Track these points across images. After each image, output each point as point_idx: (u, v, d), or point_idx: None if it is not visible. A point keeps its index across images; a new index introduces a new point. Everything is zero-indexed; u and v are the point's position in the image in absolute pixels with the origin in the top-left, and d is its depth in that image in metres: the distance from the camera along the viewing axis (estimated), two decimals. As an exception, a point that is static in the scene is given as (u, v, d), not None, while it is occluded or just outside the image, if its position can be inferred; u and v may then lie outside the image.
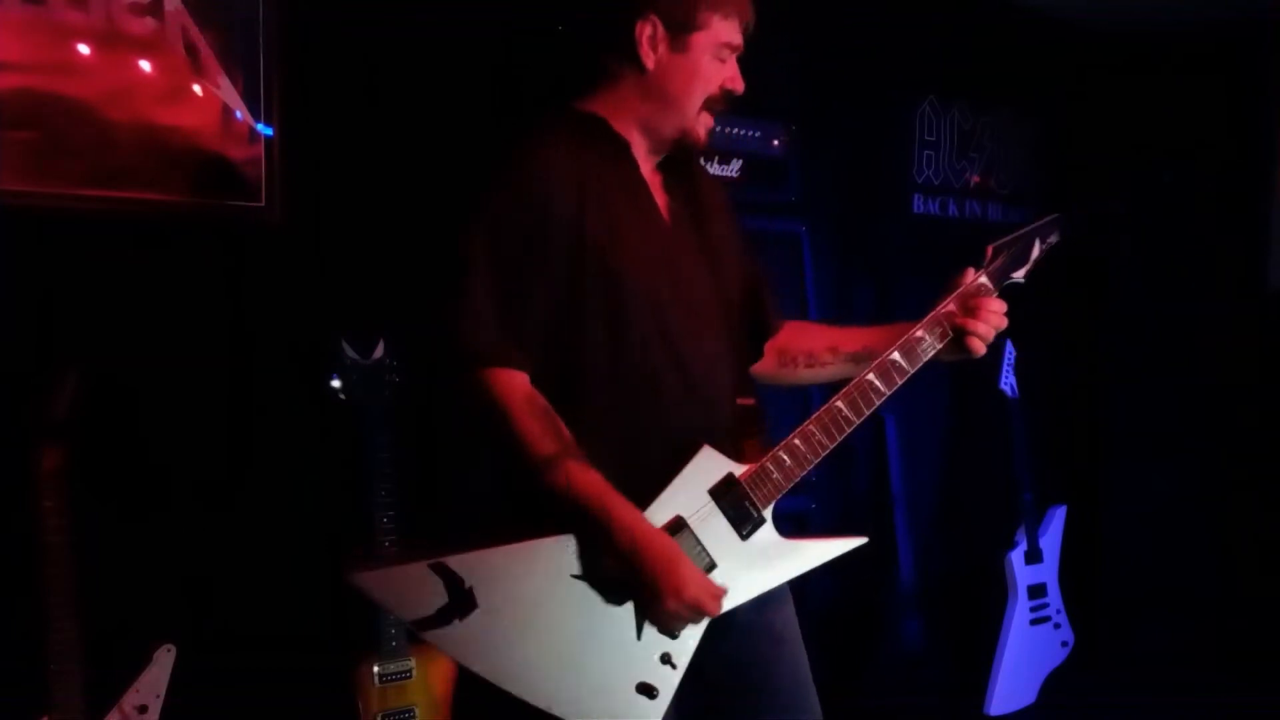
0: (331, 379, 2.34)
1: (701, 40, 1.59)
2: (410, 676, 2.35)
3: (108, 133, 2.21)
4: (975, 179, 3.85)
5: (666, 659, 1.49)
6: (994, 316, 1.63)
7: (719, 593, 1.48)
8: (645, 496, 1.49)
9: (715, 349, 1.62)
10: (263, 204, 2.40)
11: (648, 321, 1.54)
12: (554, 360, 1.51)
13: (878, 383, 1.58)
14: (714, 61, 1.61)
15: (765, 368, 1.83)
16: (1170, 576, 3.96)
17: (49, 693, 1.96)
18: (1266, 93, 3.93)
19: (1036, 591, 3.44)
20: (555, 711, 1.45)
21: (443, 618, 1.43)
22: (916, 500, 3.53)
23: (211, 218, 2.36)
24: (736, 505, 1.53)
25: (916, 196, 3.70)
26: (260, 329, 2.45)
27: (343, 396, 2.35)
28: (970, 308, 1.63)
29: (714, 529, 1.52)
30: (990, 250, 1.71)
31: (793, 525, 1.61)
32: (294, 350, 2.47)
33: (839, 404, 1.57)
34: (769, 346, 1.82)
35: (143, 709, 2.07)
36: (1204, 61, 3.98)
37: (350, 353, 2.37)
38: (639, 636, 1.48)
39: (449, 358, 1.49)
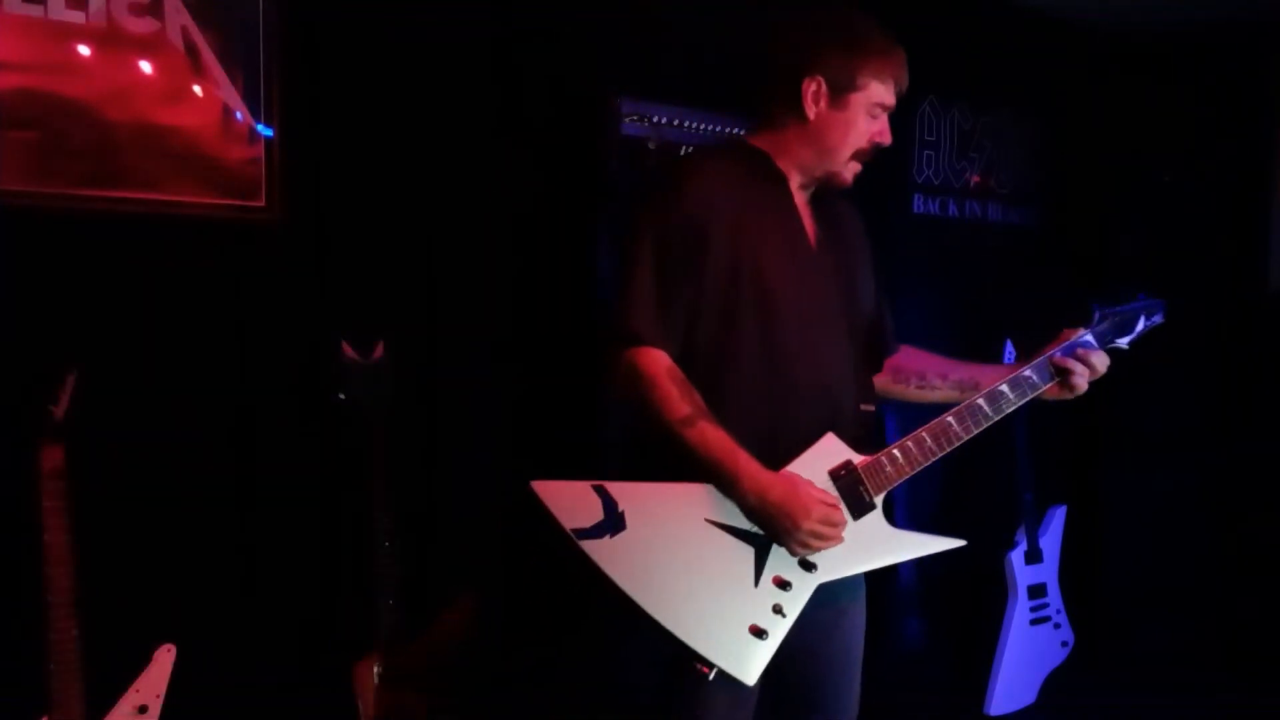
0: (331, 379, 2.34)
1: (858, 100, 1.81)
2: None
3: (108, 133, 2.21)
4: (975, 179, 3.85)
5: (778, 609, 1.69)
6: (1099, 366, 1.88)
7: (837, 519, 1.68)
8: (773, 467, 1.69)
9: (843, 358, 1.85)
10: (263, 204, 2.40)
11: (788, 327, 1.77)
12: (706, 351, 1.75)
13: (986, 408, 1.82)
14: (867, 118, 1.82)
15: (881, 382, 2.04)
16: (1170, 576, 3.96)
17: (49, 693, 1.96)
18: (1266, 93, 3.93)
19: (1036, 591, 3.44)
20: (677, 633, 1.64)
21: (598, 531, 1.66)
22: (917, 500, 3.53)
23: (211, 218, 2.36)
24: (851, 488, 1.74)
25: (917, 196, 3.70)
26: (260, 329, 2.45)
27: (342, 397, 2.35)
28: (1077, 356, 1.87)
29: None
30: (1096, 313, 1.95)
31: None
32: (294, 350, 2.47)
33: (949, 419, 1.79)
34: (887, 364, 2.04)
35: (143, 709, 2.07)
36: (1204, 61, 3.98)
37: (350, 353, 2.37)
38: (756, 584, 1.69)
39: (612, 335, 1.74)
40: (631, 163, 2.59)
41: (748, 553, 1.70)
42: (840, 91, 1.80)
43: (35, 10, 2.13)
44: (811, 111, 1.81)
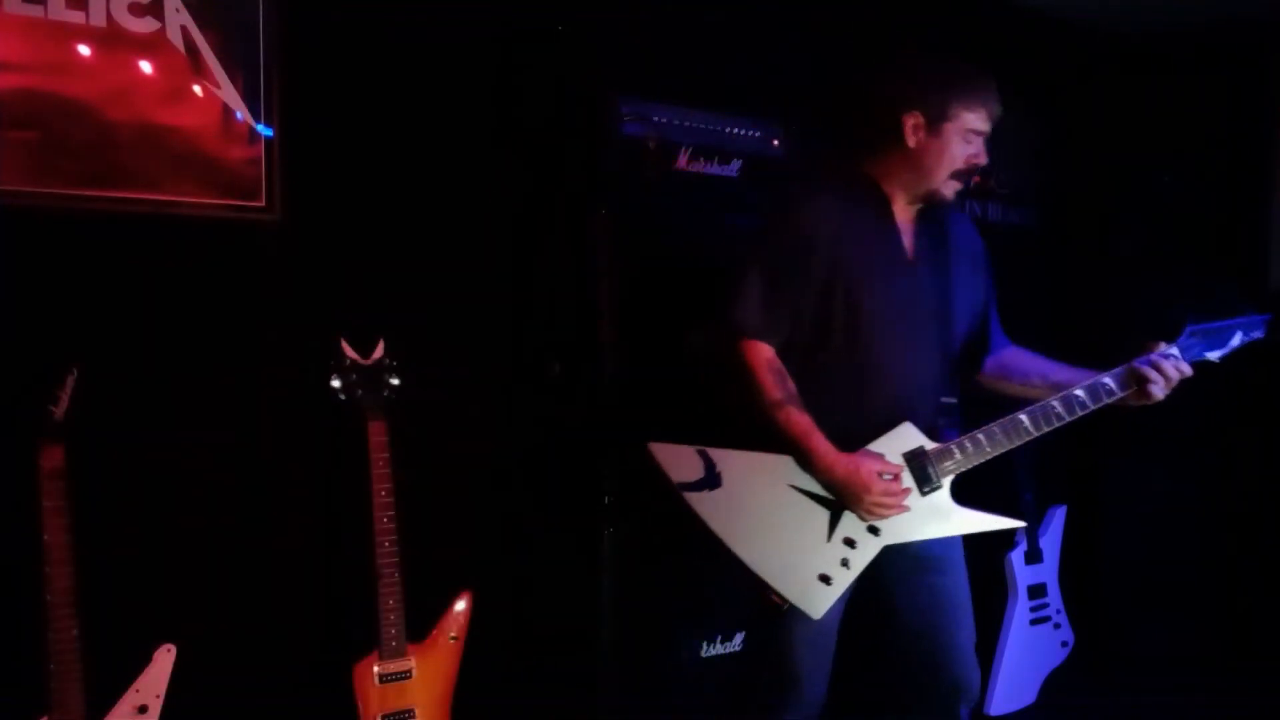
0: (331, 379, 2.34)
1: (951, 128, 2.09)
2: (410, 676, 2.35)
3: (108, 133, 2.22)
4: (975, 179, 3.84)
5: (845, 563, 2.04)
6: (1173, 375, 2.11)
7: (896, 491, 2.01)
8: (854, 447, 2.03)
9: (927, 357, 2.14)
10: (263, 204, 2.40)
11: (873, 333, 2.07)
12: (803, 348, 2.07)
13: (1059, 408, 2.08)
14: (961, 143, 2.11)
15: (987, 378, 2.32)
16: (1170, 576, 3.96)
17: (49, 693, 1.96)
18: (1266, 93, 3.92)
19: (1036, 591, 3.44)
20: (756, 570, 2.01)
21: (699, 485, 2.04)
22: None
23: (211, 218, 2.36)
24: (921, 469, 2.06)
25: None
26: (260, 329, 2.45)
27: (342, 396, 2.35)
28: (1153, 365, 2.10)
29: (902, 481, 2.05)
30: (1187, 329, 2.16)
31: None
32: (294, 350, 2.47)
33: (1022, 416, 2.08)
34: (991, 361, 2.31)
35: (143, 709, 2.07)
36: (1204, 61, 3.97)
37: (350, 353, 2.37)
38: (828, 540, 2.04)
39: (724, 327, 2.06)
40: (631, 163, 2.59)
41: (823, 515, 2.04)
42: (936, 121, 2.09)
43: (35, 10, 2.14)
44: (911, 141, 2.10)
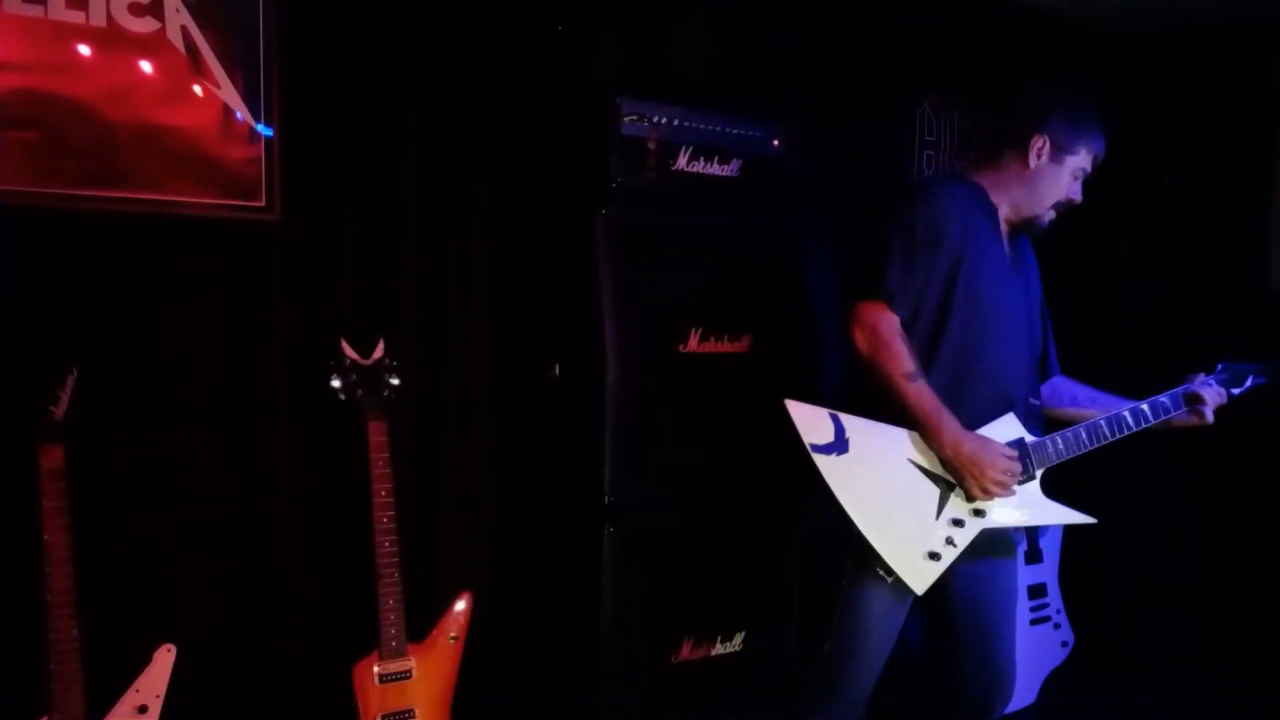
0: (331, 379, 2.34)
1: (1070, 161, 2.27)
2: (410, 676, 2.35)
3: (108, 133, 2.22)
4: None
5: (950, 540, 2.14)
6: (1215, 402, 2.39)
7: (1014, 470, 2.15)
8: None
9: (1021, 359, 2.32)
10: (262, 204, 2.40)
11: (985, 324, 2.21)
12: (922, 329, 2.18)
13: (1129, 419, 2.32)
14: (1070, 177, 2.28)
15: (1044, 400, 2.45)
16: (1170, 576, 3.96)
17: (49, 693, 1.96)
18: (1266, 93, 3.92)
19: (1036, 591, 3.45)
20: (873, 541, 2.08)
21: (828, 449, 2.11)
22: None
23: (211, 218, 2.36)
24: (1020, 460, 2.18)
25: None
26: (260, 329, 2.44)
27: (342, 396, 2.35)
28: (1196, 394, 2.38)
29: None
30: (1220, 365, 2.47)
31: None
32: (293, 350, 2.47)
33: (1102, 421, 2.30)
34: (1047, 386, 2.48)
35: (143, 709, 2.07)
36: (1204, 62, 3.97)
37: (350, 353, 2.37)
38: (937, 518, 2.14)
39: (862, 291, 2.15)
40: (631, 163, 2.59)
41: (934, 492, 2.15)
42: (1059, 151, 2.24)
43: (35, 10, 2.14)
44: (1033, 162, 2.25)
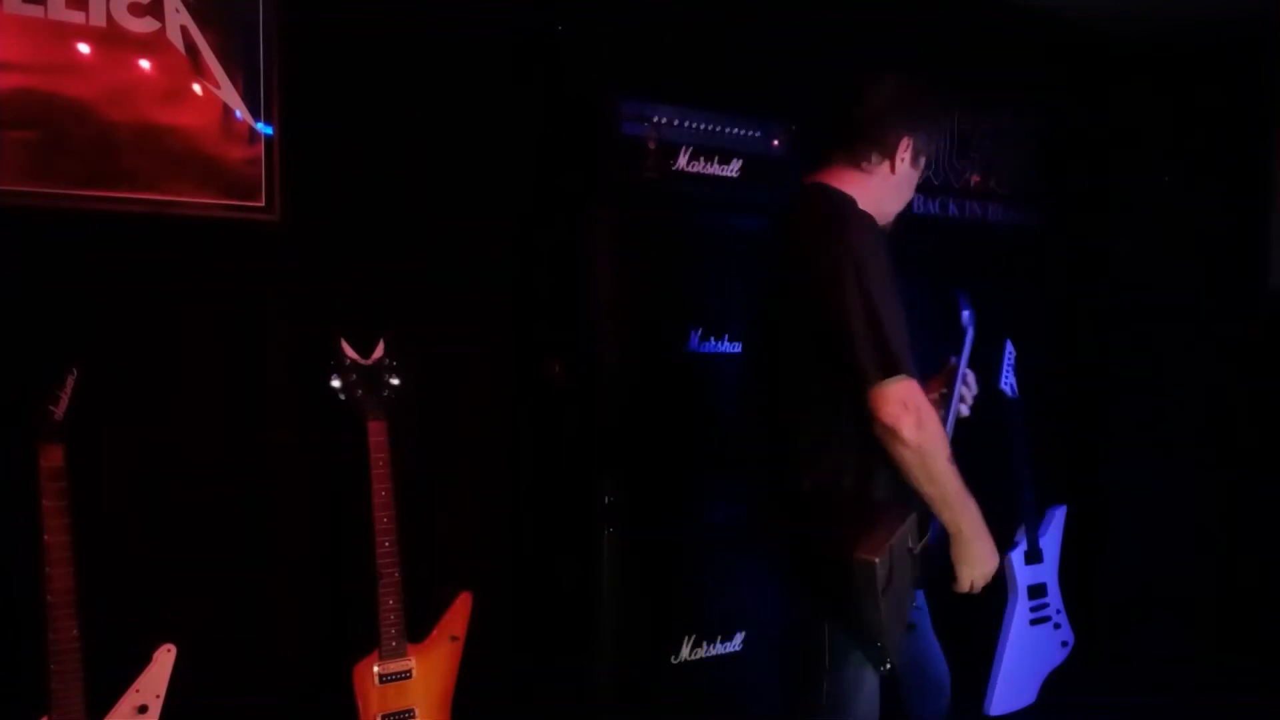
0: (331, 379, 2.34)
1: (923, 160, 2.15)
2: (410, 676, 2.35)
3: (108, 133, 2.22)
4: (975, 179, 3.84)
5: (916, 608, 2.10)
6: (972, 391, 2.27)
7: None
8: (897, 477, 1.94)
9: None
10: (262, 204, 2.40)
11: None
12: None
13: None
14: (919, 176, 2.18)
15: None
16: (1170, 576, 3.96)
17: (49, 693, 1.96)
18: (1266, 93, 3.92)
19: (1036, 591, 3.44)
20: (887, 646, 1.90)
21: (886, 586, 1.84)
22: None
23: (211, 218, 2.36)
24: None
25: (917, 196, 3.68)
26: (260, 329, 2.44)
27: (342, 397, 2.35)
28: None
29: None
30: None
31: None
32: (293, 350, 2.47)
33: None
34: None
35: (143, 709, 2.07)
36: (1204, 62, 3.97)
37: (350, 353, 2.37)
38: (912, 589, 1.99)
39: (884, 364, 1.84)
40: (631, 163, 2.59)
41: (913, 564, 1.96)
42: (918, 153, 2.13)
43: (35, 10, 2.14)
44: (899, 166, 2.10)
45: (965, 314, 2.28)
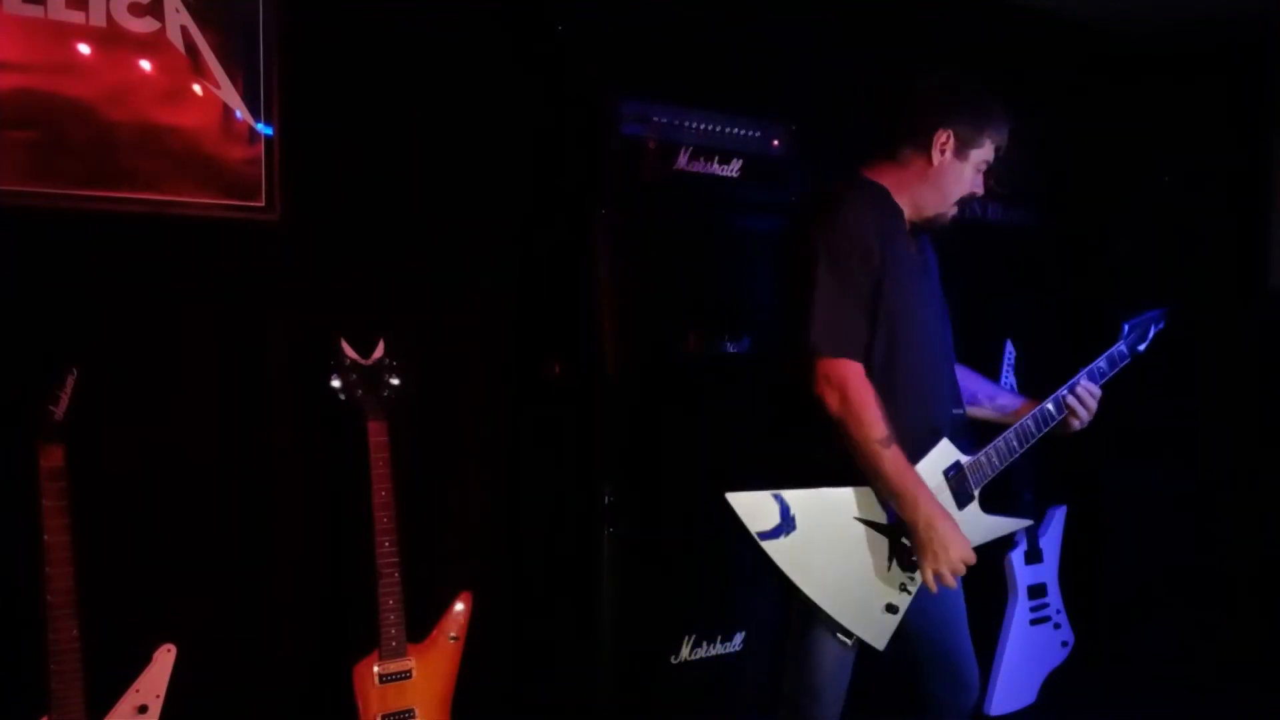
0: (331, 379, 2.34)
1: (975, 155, 2.14)
2: (410, 676, 2.35)
3: (108, 133, 2.22)
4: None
5: (904, 587, 2.05)
6: (1090, 399, 2.29)
7: (969, 560, 1.99)
8: None
9: (945, 370, 2.21)
10: (262, 204, 2.40)
11: (912, 340, 2.07)
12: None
13: (1052, 410, 2.22)
14: (975, 171, 2.16)
15: None
16: (1170, 576, 3.96)
17: (49, 693, 1.96)
18: (1266, 94, 3.92)
19: (1036, 591, 3.45)
20: (834, 615, 2.01)
21: (776, 532, 1.98)
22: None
23: (211, 218, 2.36)
24: (959, 484, 2.11)
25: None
26: (260, 329, 2.44)
27: (342, 396, 2.35)
28: (1077, 395, 2.28)
29: (944, 501, 2.05)
30: (1125, 328, 2.40)
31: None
32: (293, 350, 2.47)
33: (1028, 421, 2.20)
34: None
35: (143, 709, 2.07)
36: (1204, 62, 3.97)
37: (350, 353, 2.37)
38: (889, 569, 2.04)
39: (826, 343, 1.97)
40: (631, 163, 2.59)
41: (883, 542, 2.04)
42: (964, 145, 2.12)
43: (35, 10, 2.14)
44: (937, 159, 2.12)
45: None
